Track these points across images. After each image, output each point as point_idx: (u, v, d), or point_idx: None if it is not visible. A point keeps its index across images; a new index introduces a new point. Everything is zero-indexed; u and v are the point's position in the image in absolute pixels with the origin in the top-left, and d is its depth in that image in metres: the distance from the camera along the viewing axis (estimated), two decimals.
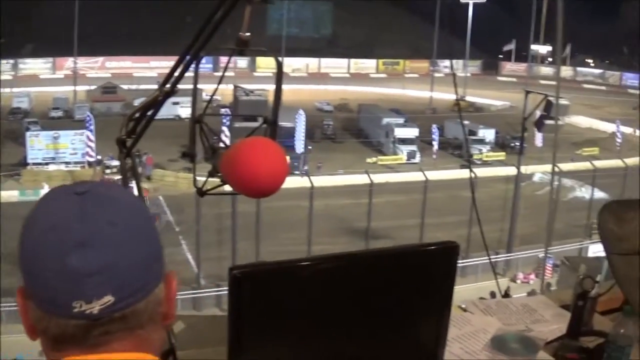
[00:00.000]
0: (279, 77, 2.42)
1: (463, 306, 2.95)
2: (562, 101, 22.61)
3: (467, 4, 58.83)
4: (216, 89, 2.91)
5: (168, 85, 2.38)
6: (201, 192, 2.39)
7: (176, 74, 2.39)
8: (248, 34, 2.24)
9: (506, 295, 20.45)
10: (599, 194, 32.24)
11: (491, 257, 24.00)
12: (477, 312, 2.88)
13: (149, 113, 2.44)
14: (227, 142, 2.46)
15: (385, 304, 1.84)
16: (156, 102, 2.37)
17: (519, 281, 26.32)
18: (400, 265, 1.87)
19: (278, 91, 2.47)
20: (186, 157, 2.39)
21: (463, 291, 20.21)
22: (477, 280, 22.61)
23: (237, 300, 1.64)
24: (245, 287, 1.64)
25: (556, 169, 28.49)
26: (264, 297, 1.68)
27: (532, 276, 26.56)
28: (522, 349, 2.53)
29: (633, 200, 1.84)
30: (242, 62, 56.33)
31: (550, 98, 25.43)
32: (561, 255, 25.50)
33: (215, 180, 2.21)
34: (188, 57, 2.33)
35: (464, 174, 29.04)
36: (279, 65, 2.38)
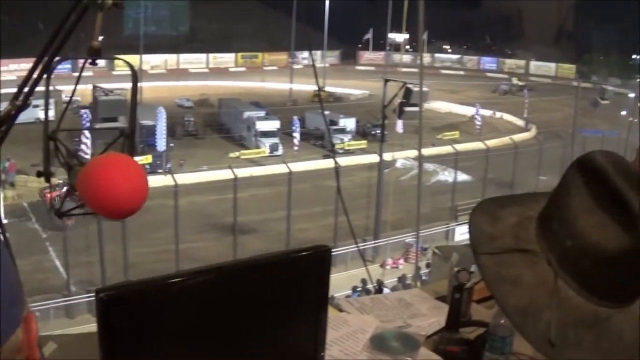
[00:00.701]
0: (134, 91, 2.27)
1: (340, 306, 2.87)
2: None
3: None
4: (73, 92, 2.72)
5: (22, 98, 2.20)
6: (59, 214, 2.22)
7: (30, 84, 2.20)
8: (99, 41, 2.09)
9: (379, 283, 20.85)
10: (462, 177, 33.16)
11: (359, 244, 24.28)
12: (354, 312, 2.79)
13: (3, 128, 2.24)
14: (88, 148, 2.28)
15: (261, 313, 1.78)
16: (10, 116, 2.18)
17: (388, 267, 26.63)
18: (272, 273, 1.81)
19: (133, 104, 2.35)
20: (42, 176, 2.21)
21: (335, 280, 20.28)
22: (347, 269, 22.79)
23: (106, 324, 1.54)
24: (113, 309, 1.54)
25: (416, 154, 29.03)
26: (134, 318, 1.58)
27: (401, 261, 26.96)
28: (403, 346, 2.46)
29: (509, 196, 1.76)
30: (100, 61, 54.91)
31: (409, 85, 25.87)
32: (429, 239, 26.07)
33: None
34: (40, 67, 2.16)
35: (328, 163, 29.26)
36: (134, 76, 2.23)
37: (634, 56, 62.52)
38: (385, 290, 17.81)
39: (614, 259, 1.46)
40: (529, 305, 1.52)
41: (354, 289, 21.30)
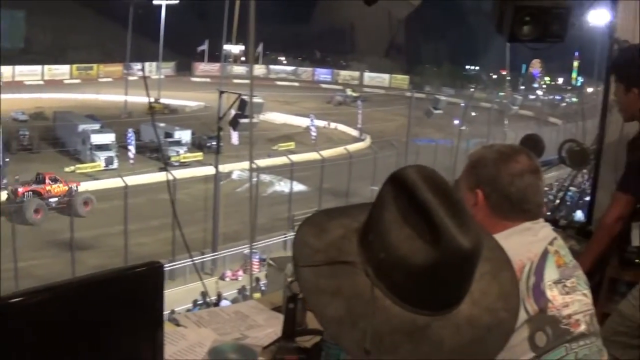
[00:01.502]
0: None
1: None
2: (257, 99, 23.09)
3: (159, 6, 58.45)
4: None
5: None
6: None
7: None
8: None
9: (218, 296, 20.76)
10: (299, 187, 33.50)
11: (198, 257, 24.16)
12: (191, 325, 2.83)
13: None
14: None
15: (98, 331, 1.77)
16: None
17: (227, 279, 26.60)
18: (106, 291, 1.80)
19: None
20: None
21: (175, 295, 20.17)
22: (186, 282, 22.64)
23: None
24: None
25: (254, 165, 29.14)
26: None
27: (240, 272, 26.96)
28: (240, 358, 2.51)
29: (340, 208, 1.81)
30: None
31: (244, 97, 25.93)
32: (267, 249, 26.19)
33: None
34: None
35: (164, 176, 29.00)
36: None
37: (467, 66, 64.89)
38: (226, 303, 17.77)
39: (420, 271, 1.53)
40: (345, 315, 1.57)
41: (195, 302, 21.15)
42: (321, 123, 49.22)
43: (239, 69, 58.20)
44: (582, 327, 2.55)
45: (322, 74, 69.76)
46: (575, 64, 49.05)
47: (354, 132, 49.66)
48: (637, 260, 4.73)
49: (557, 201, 6.07)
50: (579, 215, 8.55)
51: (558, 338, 2.48)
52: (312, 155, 36.01)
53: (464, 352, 1.60)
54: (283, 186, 34.88)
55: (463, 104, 46.40)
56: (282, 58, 72.28)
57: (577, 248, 4.37)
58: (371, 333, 1.54)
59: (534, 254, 2.57)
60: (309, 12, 65.46)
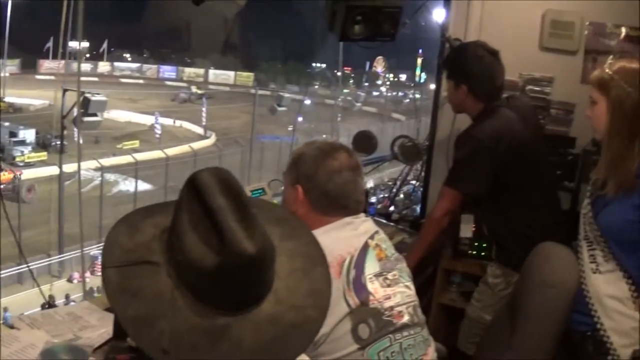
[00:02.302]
0: None
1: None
2: (100, 97, 22.56)
3: (5, 2, 56.20)
4: None
5: None
6: None
7: None
8: None
9: (66, 298, 20.22)
10: (144, 186, 32.97)
11: (45, 260, 23.45)
12: (24, 327, 2.87)
13: None
14: None
15: None
16: None
17: (75, 281, 25.90)
18: None
19: None
20: None
21: (23, 299, 19.50)
22: (35, 285, 21.90)
23: None
24: None
25: (98, 165, 28.53)
26: None
27: (88, 274, 26.31)
28: (72, 358, 2.50)
29: (160, 204, 1.84)
30: None
31: (87, 95, 25.30)
32: None
33: None
34: None
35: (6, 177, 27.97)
36: None
37: (313, 64, 65.38)
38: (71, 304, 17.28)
39: (209, 275, 1.58)
40: (146, 315, 1.59)
41: (43, 305, 20.47)
42: (166, 121, 48.54)
43: (85, 67, 56.74)
44: (406, 318, 2.66)
45: (167, 71, 68.60)
46: (419, 61, 50.44)
47: (199, 130, 49.10)
48: (469, 252, 4.95)
49: (391, 195, 6.17)
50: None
51: (381, 329, 2.57)
52: (157, 154, 35.41)
53: (264, 350, 1.64)
54: (128, 185, 34.20)
55: (308, 101, 46.76)
56: (127, 55, 70.80)
57: (408, 241, 4.53)
58: (170, 333, 1.57)
59: (354, 248, 2.65)
60: (142, 10, 64.52)
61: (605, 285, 3.02)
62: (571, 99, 4.93)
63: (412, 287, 2.82)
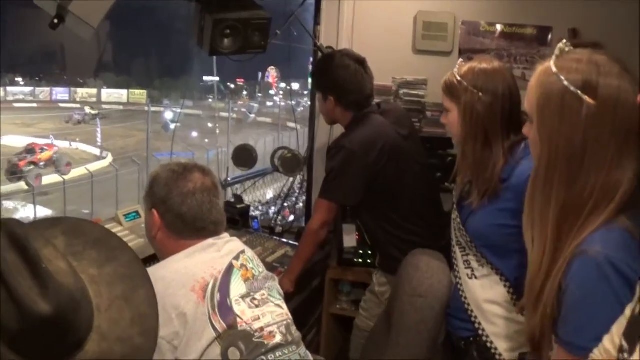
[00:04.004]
0: None
1: None
2: None
3: None
4: None
5: None
6: None
7: None
8: None
9: None
10: (44, 211, 32.19)
11: None
12: None
13: None
14: None
15: None
16: None
17: None
18: None
19: None
20: None
21: None
22: None
23: None
24: None
25: None
26: None
27: None
28: None
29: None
30: None
31: None
32: None
33: None
34: None
35: None
36: None
37: (204, 77, 65.08)
38: None
39: (13, 340, 1.50)
40: None
41: None
42: (62, 143, 47.50)
43: None
44: (278, 338, 2.59)
45: (60, 93, 67.08)
46: (310, 68, 50.25)
47: (96, 151, 48.12)
48: (355, 260, 4.91)
49: (276, 209, 6.12)
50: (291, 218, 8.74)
51: (252, 352, 2.50)
52: (55, 178, 34.76)
53: None
54: (28, 212, 33.35)
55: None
56: (19, 79, 69.08)
57: (291, 254, 4.47)
58: None
59: (217, 271, 2.57)
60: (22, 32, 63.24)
61: (482, 290, 3.01)
62: None
63: (284, 305, 2.75)
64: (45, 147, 39.28)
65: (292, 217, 6.19)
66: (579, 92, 1.92)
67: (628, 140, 1.91)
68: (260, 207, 22.44)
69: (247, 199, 6.32)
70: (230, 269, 2.61)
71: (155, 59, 66.33)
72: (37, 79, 69.37)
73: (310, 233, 4.16)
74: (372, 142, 4.03)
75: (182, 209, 2.62)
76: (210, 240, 2.65)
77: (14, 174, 35.26)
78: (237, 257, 2.67)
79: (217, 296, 2.50)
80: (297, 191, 5.68)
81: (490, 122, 2.96)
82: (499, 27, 5.01)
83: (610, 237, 1.88)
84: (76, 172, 38.27)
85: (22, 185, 33.73)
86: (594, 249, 1.85)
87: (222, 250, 2.66)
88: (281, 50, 5.31)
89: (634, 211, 1.93)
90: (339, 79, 4.17)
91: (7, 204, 32.23)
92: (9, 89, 66.30)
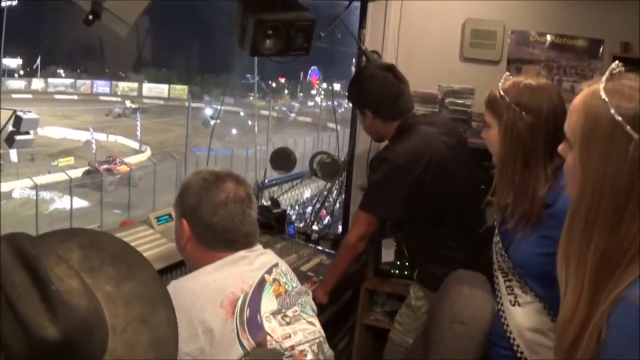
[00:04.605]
0: None
1: None
2: (31, 115, 22.13)
3: None
4: None
5: None
6: None
7: None
8: None
9: None
10: (81, 203, 32.45)
11: None
12: None
13: None
14: None
15: None
16: None
17: None
18: None
19: None
20: None
21: None
22: None
23: None
24: None
25: (32, 184, 28.03)
26: None
27: None
28: None
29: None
30: None
31: (19, 113, 24.83)
32: None
33: None
34: None
35: None
36: None
37: (247, 75, 65.18)
38: None
39: None
40: None
41: None
42: (101, 136, 47.85)
43: (17, 84, 55.85)
44: (309, 357, 2.51)
45: (101, 86, 67.54)
46: (353, 70, 50.01)
47: (134, 144, 48.55)
48: (392, 271, 4.79)
49: (312, 215, 5.99)
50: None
51: None
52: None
53: None
54: (64, 203, 33.63)
55: (242, 113, 46.52)
56: (61, 71, 69.63)
57: (326, 262, 4.36)
58: None
59: (248, 285, 2.46)
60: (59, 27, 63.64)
61: (525, 318, 2.85)
62: None
63: (317, 322, 2.63)
64: (125, 164, 40.83)
65: (327, 219, 6.04)
66: (629, 127, 1.70)
67: None
68: (296, 207, 22.48)
69: (284, 198, 6.23)
70: (262, 283, 2.50)
71: (197, 55, 66.59)
72: (78, 71, 69.86)
73: (348, 246, 3.99)
74: (417, 154, 3.85)
75: (213, 220, 2.52)
76: (242, 253, 2.55)
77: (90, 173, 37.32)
78: (269, 271, 2.56)
79: (247, 312, 2.39)
80: (335, 194, 5.52)
81: (531, 144, 2.79)
82: (549, 38, 4.84)
83: None
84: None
85: (59, 176, 33.86)
86: (635, 294, 1.66)
87: (254, 263, 2.55)
88: (324, 52, 5.20)
89: None
90: (369, 91, 4.02)
91: (44, 194, 32.52)
92: (50, 80, 66.95)
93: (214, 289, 2.39)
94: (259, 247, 2.63)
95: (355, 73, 4.33)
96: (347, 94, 4.25)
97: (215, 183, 2.56)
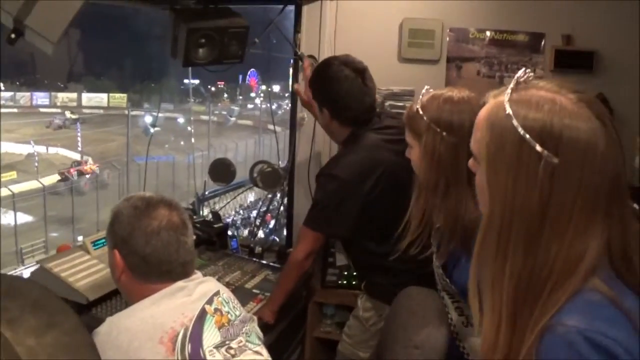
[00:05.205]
0: None
1: None
2: None
3: None
4: None
5: None
6: None
7: None
8: None
9: None
10: (25, 218, 31.96)
11: None
12: None
13: None
14: None
15: None
16: None
17: None
18: None
19: None
20: None
21: None
22: None
23: None
24: None
25: None
26: None
27: None
28: None
29: None
30: None
31: None
32: None
33: None
34: None
35: None
36: None
37: (185, 80, 64.84)
38: None
39: None
40: None
41: None
42: (42, 149, 47.24)
43: None
44: None
45: (40, 97, 66.69)
46: (291, 70, 49.99)
47: (76, 156, 47.85)
48: (339, 282, 4.66)
49: (255, 224, 5.85)
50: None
51: None
52: (35, 184, 34.55)
53: None
54: (9, 218, 33.04)
55: (181, 120, 46.38)
56: (1, 84, 68.40)
57: (272, 277, 4.23)
58: None
59: (188, 318, 2.28)
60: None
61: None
62: None
63: (264, 350, 2.47)
64: (92, 163, 42.33)
65: (272, 222, 5.88)
66: (537, 145, 1.54)
67: (596, 202, 1.55)
68: (241, 212, 22.33)
69: (227, 207, 6.10)
70: (202, 315, 2.32)
71: (134, 63, 65.99)
72: (17, 83, 68.73)
73: (294, 263, 3.82)
74: (366, 169, 3.65)
75: (146, 251, 2.34)
76: (179, 284, 2.38)
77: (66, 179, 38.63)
78: (210, 301, 2.39)
79: (189, 347, 2.21)
80: (279, 197, 5.36)
81: (454, 166, 2.64)
82: (488, 34, 4.79)
83: (582, 306, 1.52)
84: (55, 178, 38.11)
85: (2, 191, 33.32)
86: (564, 324, 1.48)
87: (193, 293, 2.38)
88: (262, 55, 5.08)
89: (607, 272, 1.56)
90: (334, 92, 3.81)
91: None
92: None
93: (151, 325, 2.23)
94: (197, 276, 2.47)
95: (322, 66, 3.98)
96: (309, 83, 4.03)
97: (147, 210, 2.39)
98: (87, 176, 38.77)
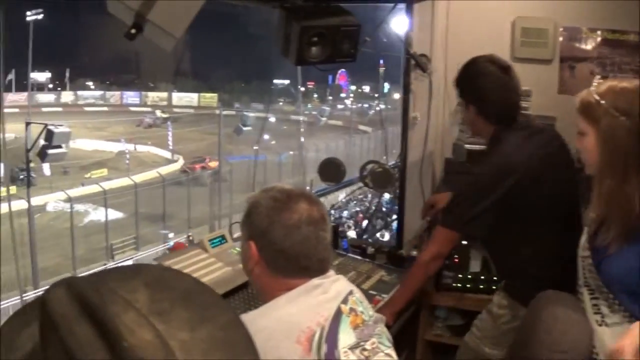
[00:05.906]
0: None
1: None
2: (63, 129, 22.28)
3: None
4: None
5: None
6: None
7: None
8: None
9: None
10: (115, 214, 32.51)
11: (21, 295, 23.08)
12: None
13: None
14: None
15: None
16: None
17: None
18: None
19: None
20: None
21: None
22: None
23: None
24: None
25: (66, 196, 28.14)
26: None
27: None
28: None
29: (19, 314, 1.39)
30: None
31: (50, 127, 24.94)
32: None
33: None
34: None
35: None
36: None
37: (274, 81, 65.21)
38: None
39: None
40: None
41: None
42: (133, 147, 48.09)
43: (47, 97, 56.19)
44: None
45: (131, 96, 67.91)
46: (381, 71, 49.67)
47: (167, 154, 48.68)
48: (454, 285, 4.58)
49: (364, 226, 5.82)
50: (386, 237, 8.37)
51: None
52: (126, 181, 35.28)
53: None
54: (99, 214, 33.66)
55: (273, 119, 46.66)
56: (90, 83, 69.94)
57: (387, 279, 4.19)
58: None
59: (324, 318, 2.23)
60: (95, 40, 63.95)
61: (613, 339, 2.58)
62: (550, 111, 4.62)
63: (393, 353, 2.43)
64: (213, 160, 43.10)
65: (387, 236, 5.84)
66: None
67: None
68: (332, 212, 22.37)
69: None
70: (338, 314, 2.27)
71: (226, 63, 66.55)
72: (107, 83, 70.14)
73: (421, 265, 3.82)
74: (510, 167, 3.61)
75: (285, 244, 2.30)
76: (315, 281, 2.32)
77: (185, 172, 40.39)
78: (345, 300, 2.33)
79: (324, 348, 2.17)
80: (385, 207, 5.33)
81: (632, 151, 2.61)
82: (599, 33, 4.67)
83: None
84: (148, 175, 38.65)
85: (93, 188, 33.95)
86: None
87: (328, 292, 2.32)
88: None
89: None
90: (480, 87, 3.78)
91: (78, 207, 32.57)
92: (79, 92, 67.33)
93: (288, 323, 2.20)
94: (332, 273, 2.41)
95: (468, 64, 3.95)
96: (455, 81, 4.00)
97: (287, 203, 2.34)
98: (209, 172, 39.77)
